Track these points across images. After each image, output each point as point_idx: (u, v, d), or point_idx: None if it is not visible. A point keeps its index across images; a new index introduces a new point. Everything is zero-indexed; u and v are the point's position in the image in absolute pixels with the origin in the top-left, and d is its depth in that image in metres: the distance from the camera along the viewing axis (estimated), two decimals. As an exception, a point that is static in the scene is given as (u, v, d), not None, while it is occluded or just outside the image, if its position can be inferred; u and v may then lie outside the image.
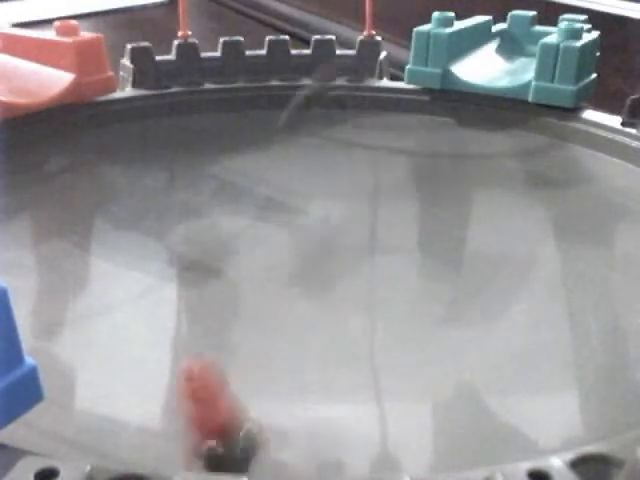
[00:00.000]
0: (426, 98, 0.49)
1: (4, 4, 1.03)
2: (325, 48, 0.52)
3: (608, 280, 0.31)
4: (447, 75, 0.47)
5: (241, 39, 0.51)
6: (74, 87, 0.44)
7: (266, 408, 0.23)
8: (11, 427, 0.18)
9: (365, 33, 0.52)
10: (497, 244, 0.33)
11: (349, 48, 0.53)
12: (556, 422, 0.23)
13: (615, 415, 0.23)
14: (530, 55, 0.48)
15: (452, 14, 0.48)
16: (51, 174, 0.41)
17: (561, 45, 0.43)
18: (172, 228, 0.35)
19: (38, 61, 0.45)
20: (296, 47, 0.53)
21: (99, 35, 0.46)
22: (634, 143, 0.41)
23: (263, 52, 0.52)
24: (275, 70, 0.52)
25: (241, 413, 0.17)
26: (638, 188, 0.39)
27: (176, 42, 0.50)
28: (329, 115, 0.50)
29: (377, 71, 0.52)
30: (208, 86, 0.50)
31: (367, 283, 0.30)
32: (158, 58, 0.50)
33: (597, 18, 0.52)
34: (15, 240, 0.34)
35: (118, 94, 0.48)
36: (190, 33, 0.50)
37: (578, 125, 0.44)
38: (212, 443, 0.16)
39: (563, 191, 0.39)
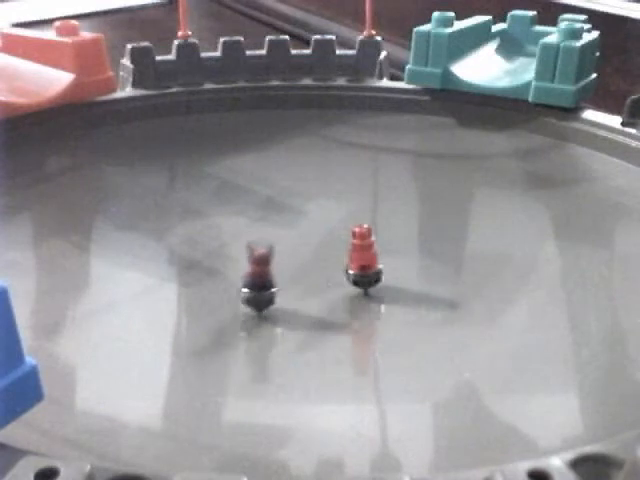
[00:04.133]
0: (426, 98, 0.49)
1: (4, 4, 1.03)
2: (325, 48, 0.52)
3: (608, 280, 0.31)
4: (447, 75, 0.47)
5: (241, 39, 0.51)
6: (74, 87, 0.44)
7: (266, 407, 0.23)
8: (11, 427, 0.18)
9: (365, 33, 0.52)
10: (497, 244, 0.33)
11: (349, 48, 0.53)
12: (556, 422, 0.23)
13: (615, 415, 0.23)
14: (530, 55, 0.48)
15: (452, 14, 0.48)
16: (51, 174, 0.41)
17: (561, 45, 0.43)
18: (172, 228, 0.35)
19: (38, 61, 0.45)
20: (296, 47, 0.53)
21: (99, 35, 0.46)
22: (634, 143, 0.41)
23: (263, 52, 0.52)
24: (275, 70, 0.52)
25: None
26: (638, 188, 0.39)
27: (176, 42, 0.50)
28: (329, 115, 0.50)
29: (377, 71, 0.52)
30: (208, 86, 0.50)
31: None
32: (158, 58, 0.50)
33: (597, 18, 0.52)
34: (15, 240, 0.34)
35: (118, 94, 0.48)
36: (190, 33, 0.50)
37: (578, 125, 0.44)
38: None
39: (563, 191, 0.39)
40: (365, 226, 0.28)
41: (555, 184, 0.40)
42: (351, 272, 0.28)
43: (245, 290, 0.27)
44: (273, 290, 0.27)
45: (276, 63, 0.52)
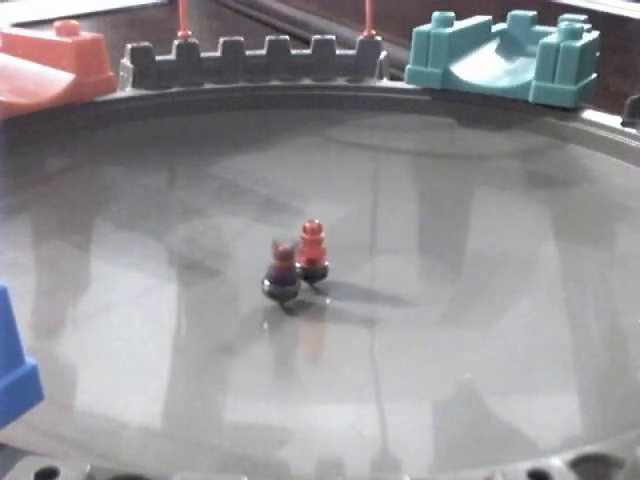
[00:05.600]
0: (426, 98, 0.49)
1: (4, 4, 1.03)
2: (325, 48, 0.52)
3: (608, 280, 0.31)
4: (447, 75, 0.47)
5: (241, 39, 0.51)
6: (74, 87, 0.44)
7: (266, 407, 0.23)
8: (11, 427, 0.18)
9: (365, 33, 0.52)
10: (497, 244, 0.33)
11: (349, 48, 0.53)
12: (556, 422, 0.23)
13: (615, 415, 0.23)
14: (530, 55, 0.48)
15: (452, 14, 0.48)
16: (51, 174, 0.41)
17: (561, 45, 0.43)
18: (172, 228, 0.35)
19: (38, 61, 0.45)
20: (296, 47, 0.53)
21: (99, 35, 0.46)
22: (634, 143, 0.41)
23: (263, 52, 0.52)
24: (275, 70, 0.52)
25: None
26: (638, 188, 0.39)
27: (176, 42, 0.50)
28: (329, 115, 0.50)
29: (377, 71, 0.52)
30: (208, 86, 0.50)
31: (367, 283, 0.30)
32: (158, 58, 0.50)
33: (597, 18, 0.52)
34: (15, 240, 0.34)
35: (118, 94, 0.48)
36: (190, 33, 0.50)
37: (578, 125, 0.44)
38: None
39: (563, 191, 0.39)
40: (316, 221, 0.28)
41: (555, 184, 0.40)
42: (298, 265, 0.28)
43: (267, 283, 0.27)
44: (296, 284, 0.27)
45: (276, 63, 0.52)
